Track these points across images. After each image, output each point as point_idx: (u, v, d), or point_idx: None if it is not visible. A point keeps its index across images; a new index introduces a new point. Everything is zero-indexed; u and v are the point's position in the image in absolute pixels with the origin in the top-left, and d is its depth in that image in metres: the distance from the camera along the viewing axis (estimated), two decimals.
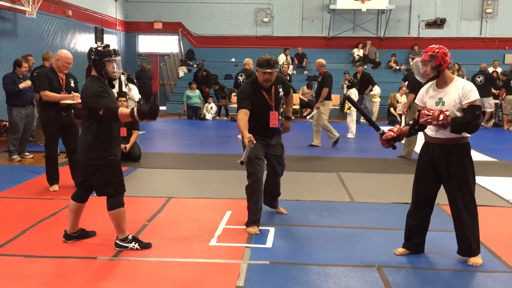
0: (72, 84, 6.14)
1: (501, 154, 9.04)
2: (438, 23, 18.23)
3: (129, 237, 4.08)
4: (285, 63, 13.93)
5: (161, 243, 4.26)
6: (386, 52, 17.95)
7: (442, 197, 5.92)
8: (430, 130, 3.83)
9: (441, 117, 3.59)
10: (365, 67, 17.77)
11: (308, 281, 3.56)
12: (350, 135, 11.06)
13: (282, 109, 5.22)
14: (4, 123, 9.38)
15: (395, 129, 3.99)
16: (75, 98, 5.90)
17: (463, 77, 13.44)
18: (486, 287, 3.55)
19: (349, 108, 11.15)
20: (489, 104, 13.10)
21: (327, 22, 18.40)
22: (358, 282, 3.55)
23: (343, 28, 18.31)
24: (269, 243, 4.28)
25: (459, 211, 3.86)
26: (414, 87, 8.28)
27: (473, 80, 13.79)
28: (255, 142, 4.30)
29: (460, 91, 3.63)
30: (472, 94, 3.62)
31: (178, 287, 3.50)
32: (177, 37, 18.89)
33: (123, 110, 3.87)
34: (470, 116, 3.61)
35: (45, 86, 5.90)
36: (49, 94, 5.86)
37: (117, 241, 4.08)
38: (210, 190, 5.98)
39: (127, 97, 8.90)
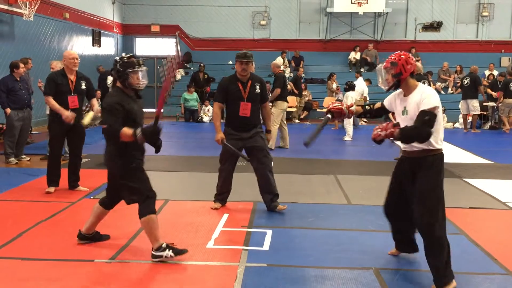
0: (83, 87, 6.09)
1: (497, 156, 9.06)
2: (435, 26, 18.31)
3: (163, 245, 3.86)
4: (296, 68, 13.83)
5: None
6: (383, 55, 17.98)
7: None
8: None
9: (388, 131, 3.32)
10: (362, 69, 17.82)
11: (305, 284, 3.56)
12: (347, 138, 11.08)
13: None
14: (1, 125, 9.37)
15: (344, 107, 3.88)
16: (69, 119, 5.85)
17: (463, 79, 13.49)
18: None
19: None
20: (473, 106, 13.10)
21: (324, 25, 18.46)
22: (355, 285, 3.55)
23: (340, 31, 18.36)
24: (266, 246, 4.28)
25: (419, 231, 3.55)
26: None
27: (461, 82, 13.85)
28: (225, 142, 5.10)
29: (419, 99, 3.39)
30: (428, 100, 3.34)
31: None
32: (174, 39, 18.90)
33: (126, 131, 3.72)
34: (418, 122, 3.32)
35: (49, 91, 5.93)
36: (50, 101, 5.90)
37: (152, 253, 3.86)
38: (207, 192, 5.96)
39: None
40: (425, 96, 3.39)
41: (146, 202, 3.89)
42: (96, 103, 6.35)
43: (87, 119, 6.36)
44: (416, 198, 3.49)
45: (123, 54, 4.01)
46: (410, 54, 3.60)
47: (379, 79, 3.63)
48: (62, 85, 5.90)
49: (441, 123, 3.49)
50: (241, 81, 5.22)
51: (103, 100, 3.98)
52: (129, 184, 3.91)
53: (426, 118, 3.30)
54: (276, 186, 5.36)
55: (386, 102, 3.79)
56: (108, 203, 4.18)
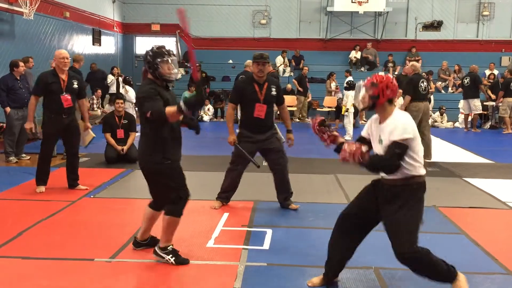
0: (75, 86, 6.07)
1: (497, 156, 9.06)
2: (435, 26, 18.29)
3: (168, 248, 3.83)
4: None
5: None
6: (383, 55, 17.99)
7: (439, 199, 5.94)
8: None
9: (356, 157, 3.15)
10: (362, 69, 17.82)
11: (305, 283, 3.56)
12: (347, 137, 11.07)
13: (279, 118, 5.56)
14: (1, 124, 9.37)
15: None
16: (27, 129, 6.09)
17: (464, 79, 13.46)
18: None
19: (346, 110, 11.17)
20: (475, 106, 13.08)
21: (325, 24, 18.43)
22: (355, 284, 3.56)
23: (341, 31, 18.34)
24: (266, 245, 4.28)
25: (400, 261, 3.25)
26: (408, 89, 8.31)
27: (461, 82, 13.85)
28: (237, 145, 5.10)
29: (392, 127, 3.13)
30: (400, 131, 3.09)
31: None
32: (174, 39, 18.89)
33: (170, 108, 3.53)
34: (388, 153, 3.11)
35: (35, 91, 5.96)
36: (31, 102, 5.97)
37: (156, 248, 3.88)
38: (207, 192, 5.97)
39: (125, 99, 8.89)
40: (399, 125, 3.12)
41: (178, 202, 3.81)
42: (86, 103, 6.36)
43: (87, 141, 6.47)
44: (394, 227, 3.23)
45: (153, 45, 3.87)
46: (393, 79, 3.25)
47: (356, 96, 3.33)
48: (53, 84, 5.86)
49: (420, 150, 3.22)
50: (258, 82, 5.17)
51: (137, 91, 3.81)
52: (165, 183, 3.82)
53: (397, 151, 3.08)
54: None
55: (364, 132, 3.45)
56: (157, 205, 4.05)
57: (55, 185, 6.24)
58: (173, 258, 3.81)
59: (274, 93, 5.22)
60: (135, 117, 8.81)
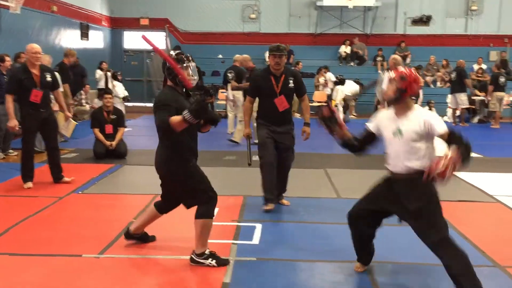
0: (49, 79, 6.00)
1: (486, 150, 9.13)
2: (424, 20, 18.34)
3: (206, 252, 3.70)
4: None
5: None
6: (373, 49, 18.02)
7: None
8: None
9: (456, 162, 3.01)
10: (352, 64, 17.85)
11: (295, 277, 3.57)
12: None
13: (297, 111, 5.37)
14: None
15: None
16: (12, 128, 5.98)
17: (451, 74, 13.58)
18: None
19: (335, 106, 11.19)
20: (461, 100, 13.18)
21: (314, 19, 18.41)
22: (344, 278, 3.57)
23: (330, 25, 18.33)
24: (255, 240, 4.28)
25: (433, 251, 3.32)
26: None
27: (449, 76, 13.95)
28: (251, 138, 5.03)
29: (422, 123, 3.20)
30: (438, 125, 3.20)
31: (164, 284, 3.48)
32: (163, 33, 18.77)
33: (174, 118, 3.44)
34: (461, 141, 3.13)
35: (9, 89, 5.88)
36: (8, 100, 5.84)
37: (192, 256, 3.73)
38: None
39: (112, 94, 8.82)
40: (436, 118, 3.24)
41: (209, 203, 3.72)
42: (60, 95, 6.32)
43: (70, 130, 6.45)
44: (418, 218, 3.29)
45: (171, 52, 3.81)
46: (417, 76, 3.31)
47: (380, 89, 3.32)
48: (25, 80, 5.79)
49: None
50: (275, 75, 5.06)
51: (155, 102, 3.69)
52: (189, 187, 3.72)
53: (463, 138, 3.11)
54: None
55: (372, 126, 3.48)
56: (163, 208, 4.00)
57: (42, 181, 6.18)
58: (214, 261, 3.69)
59: (291, 85, 5.08)
60: (124, 112, 8.75)
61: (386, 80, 3.34)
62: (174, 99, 3.60)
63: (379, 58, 17.73)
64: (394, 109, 3.34)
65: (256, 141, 5.38)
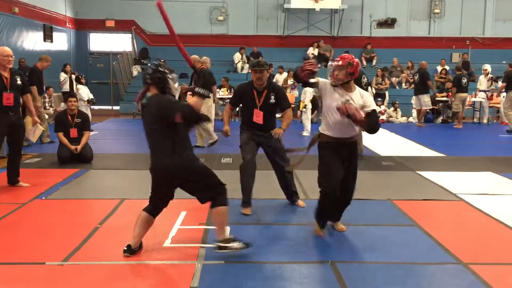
0: (19, 82, 5.98)
1: (449, 149, 9.36)
2: (389, 23, 18.72)
3: (229, 237, 3.92)
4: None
5: (114, 246, 4.15)
6: (340, 51, 18.19)
7: (393, 193, 6.08)
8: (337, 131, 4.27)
9: (359, 116, 4.05)
10: (319, 65, 17.98)
11: (263, 279, 3.56)
12: (305, 133, 11.17)
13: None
14: None
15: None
16: None
17: (414, 75, 13.89)
18: (435, 279, 3.66)
19: (304, 107, 11.27)
20: (424, 102, 13.49)
21: (282, 21, 18.54)
22: (312, 278, 3.59)
23: (298, 27, 18.49)
24: None
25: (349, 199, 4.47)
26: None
27: (412, 77, 14.27)
28: (229, 135, 5.29)
29: (363, 97, 4.25)
30: (373, 103, 4.31)
31: None
32: (130, 35, 18.54)
33: (192, 100, 3.71)
34: (376, 118, 4.33)
35: None
36: None
37: (219, 244, 3.89)
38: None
39: (77, 97, 8.66)
40: (368, 97, 4.32)
41: (223, 192, 3.91)
42: (30, 99, 6.25)
43: (36, 136, 6.41)
44: (352, 175, 4.34)
45: (160, 61, 4.02)
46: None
47: (331, 74, 4.22)
48: None
49: None
50: (257, 90, 5.18)
51: (157, 106, 3.79)
52: (205, 182, 3.87)
53: (378, 117, 4.32)
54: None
55: (322, 84, 4.31)
56: (156, 211, 4.03)
57: (4, 186, 6.01)
58: (237, 243, 3.89)
59: (272, 101, 5.17)
60: (90, 115, 8.58)
61: (333, 68, 4.20)
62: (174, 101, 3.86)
63: None
64: (342, 87, 4.23)
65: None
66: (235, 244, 3.87)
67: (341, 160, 4.28)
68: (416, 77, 13.59)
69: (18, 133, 5.98)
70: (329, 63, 4.27)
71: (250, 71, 5.25)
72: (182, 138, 3.84)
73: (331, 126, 4.26)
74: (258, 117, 5.20)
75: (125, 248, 3.92)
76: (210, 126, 10.68)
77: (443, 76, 15.76)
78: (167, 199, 4.04)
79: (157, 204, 4.03)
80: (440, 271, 3.77)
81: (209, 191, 3.89)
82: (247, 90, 5.25)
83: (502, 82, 12.95)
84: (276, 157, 5.29)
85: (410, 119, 14.71)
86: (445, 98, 14.59)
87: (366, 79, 8.61)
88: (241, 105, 5.47)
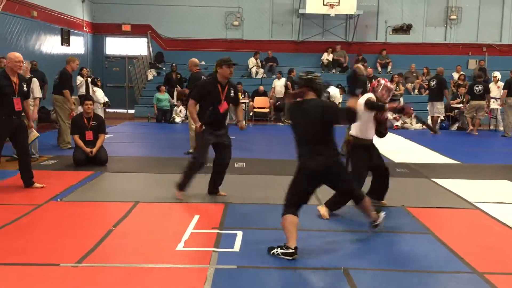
0: (25, 88, 6.11)
1: (464, 156, 9.26)
2: (405, 29, 18.62)
3: (376, 216, 4.57)
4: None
5: (127, 249, 4.19)
6: (353, 57, 18.19)
7: (407, 200, 6.03)
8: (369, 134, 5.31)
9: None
10: (333, 71, 18.00)
11: (275, 285, 3.56)
12: None
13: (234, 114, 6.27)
14: None
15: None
16: None
17: (430, 81, 13.75)
18: None
19: None
20: (438, 109, 13.37)
21: (297, 26, 18.55)
22: (325, 285, 3.57)
23: (312, 33, 18.48)
24: (236, 247, 4.26)
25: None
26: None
27: (428, 83, 14.14)
28: (204, 128, 5.62)
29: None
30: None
31: None
32: (146, 39, 18.70)
33: (351, 103, 4.13)
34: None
35: None
36: None
37: (374, 224, 4.58)
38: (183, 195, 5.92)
39: (93, 100, 8.75)
40: None
41: (358, 188, 4.58)
42: (28, 105, 6.41)
43: (30, 139, 6.62)
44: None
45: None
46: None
47: (377, 91, 5.29)
48: (6, 87, 5.83)
49: None
50: (221, 84, 5.70)
51: (327, 110, 4.16)
52: (347, 177, 4.49)
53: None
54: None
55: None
56: (298, 211, 4.26)
57: (20, 188, 6.09)
58: (381, 214, 4.64)
59: (232, 94, 5.82)
60: (104, 118, 8.67)
61: (383, 87, 5.23)
62: None
63: (359, 64, 17.84)
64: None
65: None
66: (380, 216, 4.59)
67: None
68: (433, 83, 13.47)
69: (22, 135, 6.08)
70: (381, 81, 5.31)
71: (220, 67, 5.64)
72: (333, 138, 4.27)
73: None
74: (223, 108, 5.73)
75: (291, 251, 3.99)
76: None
77: (461, 82, 15.59)
78: (309, 196, 4.37)
79: (301, 203, 4.29)
80: (455, 280, 3.73)
81: (349, 185, 4.43)
82: (213, 85, 5.72)
83: (503, 89, 12.99)
84: (227, 153, 5.82)
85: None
86: (460, 105, 14.45)
87: (369, 85, 8.72)
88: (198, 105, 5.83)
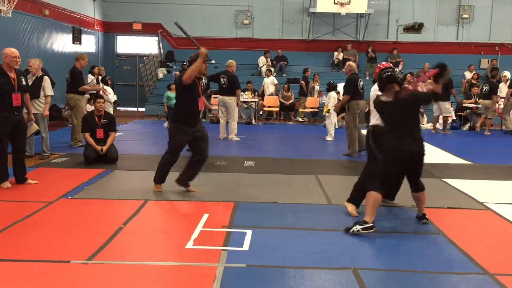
0: (24, 82, 6.15)
1: (476, 157, 9.18)
2: (416, 28, 18.49)
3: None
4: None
5: (136, 247, 4.21)
6: (364, 56, 18.10)
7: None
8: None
9: None
10: (343, 70, 17.90)
11: (284, 284, 3.55)
12: (329, 138, 11.11)
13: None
14: None
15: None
16: None
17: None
18: None
19: (328, 111, 11.21)
20: (446, 108, 13.26)
21: (307, 25, 18.50)
22: (334, 285, 3.56)
23: (323, 31, 18.43)
24: (245, 246, 4.26)
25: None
26: (349, 89, 8.93)
27: None
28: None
29: None
30: None
31: None
32: (156, 38, 18.76)
33: (435, 87, 4.76)
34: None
35: None
36: None
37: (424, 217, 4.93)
38: (187, 192, 5.94)
39: (104, 99, 8.79)
40: None
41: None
42: (28, 98, 6.44)
43: (30, 132, 6.69)
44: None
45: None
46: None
47: (414, 82, 5.02)
48: (5, 84, 5.88)
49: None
50: (197, 77, 5.85)
51: (417, 98, 4.76)
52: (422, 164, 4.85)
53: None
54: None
55: None
56: (390, 193, 5.09)
57: (31, 185, 6.14)
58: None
59: (204, 87, 6.29)
60: (114, 117, 8.71)
61: (420, 80, 5.04)
62: None
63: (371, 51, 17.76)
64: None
65: None
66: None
67: None
68: None
69: (21, 131, 6.13)
70: (421, 73, 5.14)
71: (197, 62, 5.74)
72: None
73: None
74: (201, 102, 5.91)
75: (370, 225, 4.45)
76: (234, 128, 10.74)
77: (475, 81, 15.46)
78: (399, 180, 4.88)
79: (394, 184, 4.93)
80: (465, 281, 3.69)
81: (421, 172, 4.77)
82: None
83: (509, 87, 13.05)
84: (205, 144, 5.87)
85: (437, 125, 14.47)
86: (472, 105, 14.33)
87: (362, 82, 9.14)
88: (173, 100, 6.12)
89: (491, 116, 13.38)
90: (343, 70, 17.68)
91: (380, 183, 4.59)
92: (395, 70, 4.88)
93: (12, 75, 5.96)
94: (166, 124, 5.81)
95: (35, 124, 6.77)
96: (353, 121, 8.92)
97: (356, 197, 5.26)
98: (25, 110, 6.38)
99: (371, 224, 4.37)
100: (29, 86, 6.35)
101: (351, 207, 5.25)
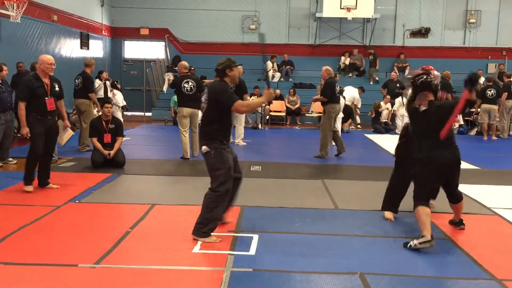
0: (57, 89, 6.30)
1: (483, 162, 9.14)
2: (423, 32, 18.47)
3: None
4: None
5: (144, 251, 4.22)
6: (372, 61, 18.09)
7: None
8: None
9: None
10: (350, 75, 17.92)
11: None
12: (334, 143, 11.08)
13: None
14: None
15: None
16: (25, 135, 6.08)
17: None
18: None
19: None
20: None
21: (313, 30, 18.53)
22: None
23: (329, 36, 18.44)
24: (252, 251, 4.26)
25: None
26: (326, 92, 9.08)
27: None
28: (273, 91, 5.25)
29: None
30: None
31: None
32: (163, 43, 18.86)
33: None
34: None
35: (23, 96, 6.04)
36: (21, 108, 6.02)
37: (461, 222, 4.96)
38: (194, 197, 5.94)
39: (112, 102, 8.85)
40: None
41: None
42: (63, 105, 6.55)
43: (65, 139, 6.72)
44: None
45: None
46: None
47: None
48: (38, 88, 6.04)
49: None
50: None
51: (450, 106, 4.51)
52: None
53: None
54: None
55: None
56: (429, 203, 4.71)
57: (39, 189, 6.19)
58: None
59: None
60: (122, 121, 8.76)
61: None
62: None
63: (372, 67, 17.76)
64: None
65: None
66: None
67: None
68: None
69: (53, 135, 6.29)
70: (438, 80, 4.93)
71: (231, 69, 4.73)
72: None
73: None
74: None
75: (428, 239, 4.27)
76: (241, 133, 10.75)
77: (482, 85, 15.37)
78: (438, 190, 4.78)
79: (434, 195, 4.82)
80: (473, 287, 3.68)
81: (458, 180, 4.78)
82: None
83: (503, 91, 13.14)
84: (238, 165, 4.97)
85: None
86: (474, 110, 14.28)
87: (338, 87, 9.44)
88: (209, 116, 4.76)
89: (496, 120, 13.32)
90: (350, 74, 17.84)
91: (422, 195, 4.54)
92: (430, 76, 4.68)
93: (46, 80, 6.13)
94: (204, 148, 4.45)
95: (70, 130, 6.82)
96: (328, 124, 9.11)
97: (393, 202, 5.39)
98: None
99: (429, 239, 4.25)
100: (62, 92, 6.46)
101: (387, 213, 5.36)
